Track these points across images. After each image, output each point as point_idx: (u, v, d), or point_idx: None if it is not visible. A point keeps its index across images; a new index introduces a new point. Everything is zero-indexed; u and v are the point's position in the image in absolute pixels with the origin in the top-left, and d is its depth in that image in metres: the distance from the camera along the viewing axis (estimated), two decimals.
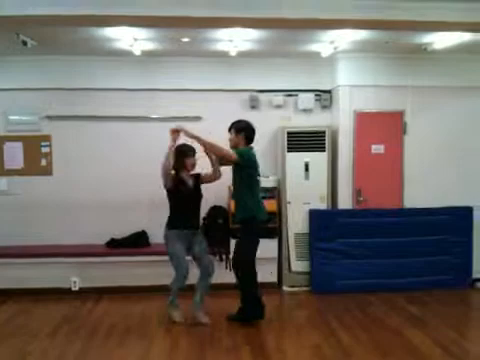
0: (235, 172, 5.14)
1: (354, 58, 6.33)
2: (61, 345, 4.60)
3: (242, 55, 6.15)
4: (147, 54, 6.09)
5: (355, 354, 4.39)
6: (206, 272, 5.20)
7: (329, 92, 6.72)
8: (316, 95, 6.71)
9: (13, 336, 4.87)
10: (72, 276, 6.15)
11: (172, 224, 5.17)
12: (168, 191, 5.16)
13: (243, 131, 5.13)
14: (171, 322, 5.13)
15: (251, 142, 5.19)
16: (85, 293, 6.06)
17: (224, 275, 5.78)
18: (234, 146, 5.14)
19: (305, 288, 6.29)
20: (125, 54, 6.02)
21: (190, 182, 5.23)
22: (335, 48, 5.78)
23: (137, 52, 5.86)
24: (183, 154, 5.18)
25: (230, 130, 5.19)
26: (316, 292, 6.17)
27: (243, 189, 5.11)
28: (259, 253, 5.95)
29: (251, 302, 5.12)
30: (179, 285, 5.08)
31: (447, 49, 5.86)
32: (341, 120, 6.46)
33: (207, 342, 4.68)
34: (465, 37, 5.40)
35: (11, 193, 6.47)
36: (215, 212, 6.39)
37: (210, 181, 5.32)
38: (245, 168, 5.06)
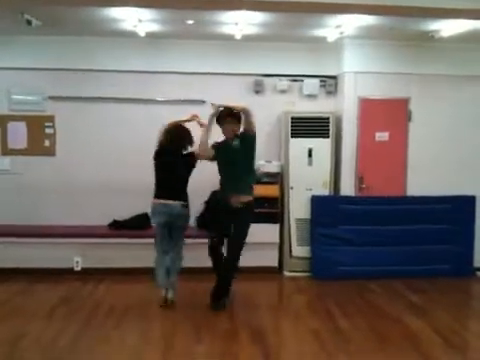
0: (240, 152, 5.04)
1: (360, 44, 6.28)
2: (58, 326, 4.61)
3: (247, 39, 6.10)
4: (152, 36, 6.05)
5: (354, 340, 4.42)
6: None
7: (334, 78, 6.67)
8: (321, 81, 6.67)
9: (11, 316, 4.90)
10: (75, 256, 6.19)
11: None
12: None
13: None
14: (171, 305, 5.17)
15: None
16: (87, 274, 6.10)
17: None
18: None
19: (306, 273, 6.31)
20: (130, 35, 5.98)
21: None
22: (341, 33, 5.72)
23: (142, 33, 5.83)
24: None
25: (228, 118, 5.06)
26: (316, 278, 6.19)
27: (251, 169, 5.12)
28: (260, 238, 6.01)
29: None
30: None
31: (454, 37, 5.80)
32: (346, 106, 6.42)
33: (205, 325, 4.70)
34: (472, 25, 5.34)
35: (14, 173, 6.48)
36: (217, 196, 6.38)
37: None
38: (253, 148, 5.07)
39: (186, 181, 5.19)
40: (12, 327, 4.60)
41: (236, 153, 5.04)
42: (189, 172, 5.20)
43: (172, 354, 4.10)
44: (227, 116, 5.05)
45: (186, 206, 5.17)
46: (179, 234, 5.22)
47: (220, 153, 5.12)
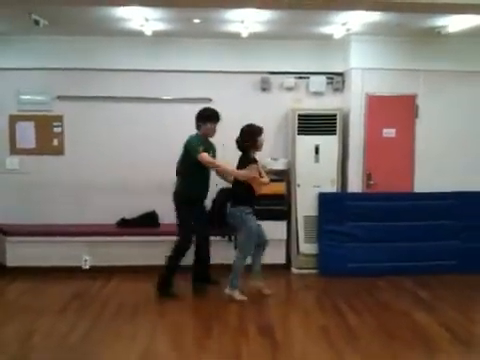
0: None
1: (367, 41, 6.28)
2: (68, 323, 4.65)
3: (254, 37, 6.11)
4: (158, 35, 6.07)
5: (362, 336, 4.42)
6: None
7: (341, 75, 6.67)
8: (328, 78, 6.67)
9: (21, 314, 4.94)
10: (83, 255, 6.23)
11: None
12: None
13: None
14: (180, 301, 5.23)
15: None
16: (96, 272, 6.13)
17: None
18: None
19: (313, 270, 6.31)
20: (136, 35, 6.00)
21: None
22: (348, 30, 5.72)
23: (148, 33, 5.85)
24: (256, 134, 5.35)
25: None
26: (324, 274, 6.19)
27: None
28: (268, 235, 6.04)
29: None
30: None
31: (461, 33, 5.78)
32: (353, 103, 6.42)
33: (214, 321, 4.74)
34: (479, 20, 5.32)
35: (23, 172, 6.53)
36: (224, 194, 6.41)
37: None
38: None
39: None
40: (23, 324, 4.65)
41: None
42: None
43: (182, 349, 4.14)
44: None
45: None
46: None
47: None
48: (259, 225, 5.44)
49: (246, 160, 5.33)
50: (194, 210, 5.39)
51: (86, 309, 5.03)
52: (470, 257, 6.31)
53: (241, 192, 5.36)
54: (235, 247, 6.05)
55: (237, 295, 5.31)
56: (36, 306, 5.16)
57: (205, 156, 5.24)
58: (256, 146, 5.35)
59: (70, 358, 3.95)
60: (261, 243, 5.48)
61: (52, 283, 5.91)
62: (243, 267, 5.36)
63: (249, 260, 5.49)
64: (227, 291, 5.32)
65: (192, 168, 5.29)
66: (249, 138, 5.32)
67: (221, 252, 5.86)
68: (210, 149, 5.42)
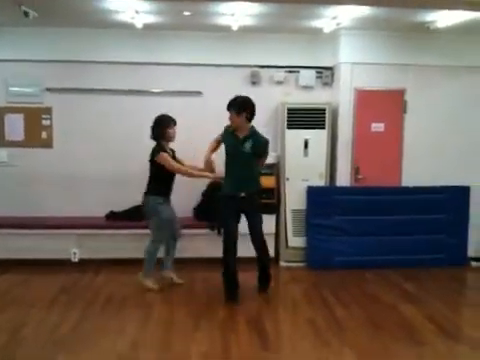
0: (245, 154, 5.10)
1: (356, 35, 6.30)
2: (58, 315, 4.66)
3: (244, 30, 6.11)
4: (149, 27, 6.05)
5: (349, 328, 4.48)
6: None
7: (330, 69, 6.70)
8: (317, 72, 6.70)
9: (10, 307, 4.93)
10: (72, 247, 6.23)
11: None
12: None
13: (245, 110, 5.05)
14: (168, 294, 5.25)
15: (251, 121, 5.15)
16: (85, 264, 6.14)
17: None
18: (237, 126, 5.10)
19: (301, 263, 6.36)
20: (127, 27, 5.98)
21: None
22: (337, 24, 5.75)
23: (139, 25, 5.84)
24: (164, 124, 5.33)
25: (229, 109, 5.07)
26: (312, 268, 6.25)
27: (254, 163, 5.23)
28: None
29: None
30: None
31: (449, 28, 5.82)
32: (342, 97, 6.46)
33: (203, 313, 4.76)
34: (468, 16, 5.37)
35: (11, 164, 6.50)
36: (214, 187, 6.43)
37: None
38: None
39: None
40: (12, 317, 4.65)
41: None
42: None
43: (171, 342, 4.15)
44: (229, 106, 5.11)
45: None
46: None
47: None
48: (175, 217, 5.45)
49: (157, 149, 5.32)
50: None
51: (75, 302, 5.04)
52: (456, 251, 6.40)
53: (158, 182, 5.36)
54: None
55: (150, 284, 5.38)
56: (25, 298, 5.15)
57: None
58: (165, 137, 5.33)
59: (59, 350, 3.95)
60: (174, 235, 5.49)
61: (41, 276, 5.90)
62: (156, 255, 5.40)
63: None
64: (140, 278, 5.40)
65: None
66: (157, 128, 5.34)
67: (211, 245, 5.87)
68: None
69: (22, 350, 3.98)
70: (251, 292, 5.38)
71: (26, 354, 3.91)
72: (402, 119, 6.53)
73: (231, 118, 5.07)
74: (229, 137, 5.15)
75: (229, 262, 5.13)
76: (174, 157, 5.42)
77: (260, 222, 5.26)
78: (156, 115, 5.39)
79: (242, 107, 5.01)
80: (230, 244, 5.12)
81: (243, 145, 5.05)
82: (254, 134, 5.12)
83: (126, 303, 5.02)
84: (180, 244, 5.65)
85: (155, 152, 5.31)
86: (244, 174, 5.13)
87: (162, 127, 5.31)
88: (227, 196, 5.17)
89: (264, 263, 5.36)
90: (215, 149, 5.34)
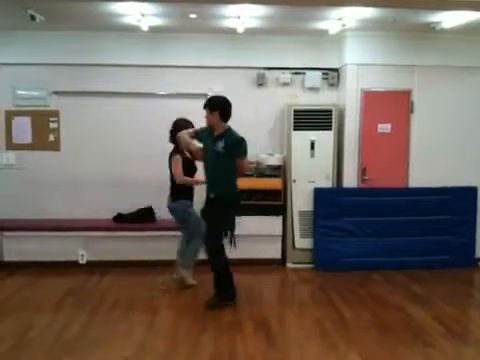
0: (217, 153, 4.97)
1: (362, 36, 6.29)
2: (65, 318, 4.68)
3: (250, 32, 6.12)
4: (155, 30, 6.07)
5: (356, 329, 4.48)
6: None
7: (336, 70, 6.70)
8: (323, 73, 6.69)
9: (18, 308, 4.97)
10: (80, 249, 6.26)
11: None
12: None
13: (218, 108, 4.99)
14: (175, 296, 5.28)
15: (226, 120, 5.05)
16: (92, 266, 6.16)
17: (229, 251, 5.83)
18: (212, 124, 5.04)
19: (309, 265, 6.36)
20: (133, 30, 6.00)
21: None
22: (343, 25, 5.74)
23: (145, 28, 5.85)
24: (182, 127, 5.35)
25: (204, 107, 5.03)
26: (319, 269, 6.24)
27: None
28: (263, 230, 6.11)
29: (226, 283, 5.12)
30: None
31: (455, 29, 5.79)
32: (348, 99, 6.45)
33: (210, 316, 4.76)
34: (473, 17, 5.34)
35: (19, 167, 6.54)
36: None
37: None
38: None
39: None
40: (20, 319, 4.67)
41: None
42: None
43: (177, 344, 4.16)
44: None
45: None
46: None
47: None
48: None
49: (172, 152, 5.44)
50: None
51: (82, 304, 5.06)
52: (464, 252, 6.37)
53: (185, 186, 5.43)
54: (230, 242, 6.09)
55: (191, 280, 5.49)
56: (33, 301, 5.19)
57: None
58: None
59: (66, 353, 3.96)
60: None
61: (49, 278, 5.93)
62: (199, 252, 5.45)
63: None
64: (183, 273, 5.46)
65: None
66: (174, 131, 5.39)
67: None
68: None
69: (29, 353, 3.99)
70: (257, 294, 5.38)
71: (33, 357, 3.92)
72: (409, 120, 6.51)
73: (206, 116, 5.03)
74: (206, 136, 5.11)
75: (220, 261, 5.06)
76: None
77: (210, 229, 5.05)
78: (174, 118, 5.52)
79: (215, 105, 4.96)
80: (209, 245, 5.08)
81: (215, 144, 4.94)
82: (227, 132, 5.00)
83: (133, 305, 5.04)
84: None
85: (171, 155, 5.41)
86: (215, 174, 5.02)
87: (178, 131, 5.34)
88: (206, 197, 5.15)
89: None
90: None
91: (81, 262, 6.28)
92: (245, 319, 4.69)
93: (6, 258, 6.26)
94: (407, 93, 6.49)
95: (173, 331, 4.43)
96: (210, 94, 5.70)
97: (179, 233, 5.69)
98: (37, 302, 5.13)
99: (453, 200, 6.36)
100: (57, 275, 5.99)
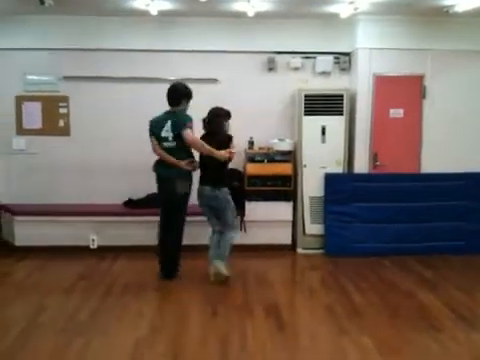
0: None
1: (374, 20, 6.21)
2: (76, 301, 4.71)
3: (260, 16, 6.05)
4: (164, 14, 6.03)
5: (366, 314, 4.46)
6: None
7: (348, 55, 6.62)
8: (335, 58, 6.62)
9: (30, 292, 5.01)
10: (91, 234, 6.28)
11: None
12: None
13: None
14: (185, 279, 5.29)
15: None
16: (103, 251, 6.19)
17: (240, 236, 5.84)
18: None
19: (319, 251, 6.34)
20: (142, 14, 5.96)
21: None
22: (355, 9, 5.65)
23: (154, 12, 5.80)
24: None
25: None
26: (330, 255, 6.22)
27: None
28: (274, 216, 6.09)
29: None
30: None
31: (469, 12, 5.69)
32: (360, 83, 6.38)
33: (220, 300, 4.78)
34: None
35: (29, 152, 6.56)
36: (230, 175, 6.43)
37: None
38: None
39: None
40: (32, 302, 4.70)
41: None
42: None
43: (188, 326, 4.18)
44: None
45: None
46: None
47: None
48: None
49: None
50: None
51: (94, 287, 5.09)
52: (476, 238, 6.31)
53: (224, 174, 5.38)
54: (240, 229, 6.09)
55: (225, 270, 5.26)
56: (44, 284, 5.23)
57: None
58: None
59: (77, 335, 3.99)
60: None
61: (60, 262, 5.97)
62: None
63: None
64: (218, 266, 5.23)
65: None
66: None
67: None
68: None
69: (41, 334, 4.02)
70: (267, 279, 5.39)
71: (44, 339, 3.95)
72: (421, 105, 6.44)
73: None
74: None
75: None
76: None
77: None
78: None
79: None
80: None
81: None
82: None
83: (144, 289, 5.05)
84: (198, 231, 5.71)
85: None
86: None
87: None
88: None
89: None
90: None
91: (92, 247, 6.31)
92: (255, 304, 4.68)
93: (18, 243, 6.31)
94: (420, 78, 6.41)
95: (184, 314, 4.44)
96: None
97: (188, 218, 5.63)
98: (48, 285, 5.17)
99: (466, 186, 6.30)
100: (68, 259, 6.02)
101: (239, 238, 5.52)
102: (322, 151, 6.30)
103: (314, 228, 6.39)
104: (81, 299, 4.76)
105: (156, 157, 5.38)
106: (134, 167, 6.55)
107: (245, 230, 6.19)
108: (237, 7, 5.77)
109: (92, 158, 6.62)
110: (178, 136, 5.12)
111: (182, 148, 5.16)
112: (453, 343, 3.93)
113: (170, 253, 5.32)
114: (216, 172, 5.29)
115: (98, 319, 4.33)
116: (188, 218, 5.43)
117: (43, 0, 5.27)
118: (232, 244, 5.35)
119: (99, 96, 6.56)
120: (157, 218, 6.09)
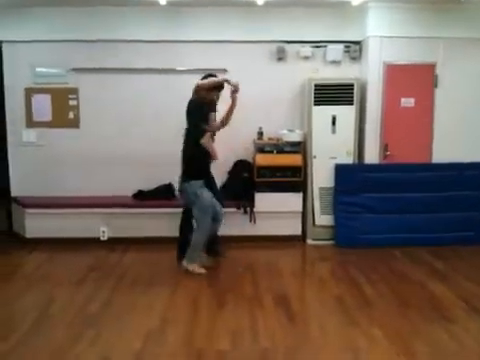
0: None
1: (385, 8, 6.12)
2: (87, 293, 4.73)
3: (269, 4, 5.99)
4: (173, 4, 5.99)
5: (377, 305, 4.44)
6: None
7: (358, 43, 6.54)
8: (345, 46, 6.54)
9: (41, 283, 5.04)
10: (101, 226, 6.30)
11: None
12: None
13: None
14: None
15: None
16: (113, 243, 6.21)
17: (249, 227, 5.84)
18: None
19: (329, 242, 6.31)
20: (150, 4, 5.94)
21: None
22: None
23: (163, 2, 5.78)
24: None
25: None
26: (340, 246, 6.19)
27: None
28: (284, 207, 6.07)
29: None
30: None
31: None
32: (370, 72, 6.31)
33: (230, 291, 4.78)
34: None
35: (39, 145, 6.58)
36: (240, 166, 6.43)
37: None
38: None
39: None
40: (43, 293, 4.74)
41: None
42: None
43: (199, 317, 4.19)
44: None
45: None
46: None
47: None
48: (213, 197, 5.24)
49: None
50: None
51: (104, 279, 5.11)
52: None
53: (197, 165, 5.19)
54: (250, 220, 6.10)
55: (196, 268, 5.22)
56: (55, 276, 5.25)
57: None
58: None
59: (88, 326, 4.01)
60: (217, 217, 5.30)
61: (70, 254, 6.00)
62: (203, 242, 5.25)
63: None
64: (184, 264, 5.24)
65: None
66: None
67: (237, 224, 5.92)
68: None
69: (52, 325, 4.06)
70: (277, 270, 5.38)
71: (55, 330, 3.97)
72: (433, 94, 6.36)
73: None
74: None
75: None
76: None
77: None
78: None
79: None
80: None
81: None
82: None
83: (154, 281, 5.06)
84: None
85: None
86: None
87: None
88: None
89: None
90: None
91: (102, 239, 6.33)
92: (265, 294, 4.68)
93: (28, 235, 6.34)
94: (431, 66, 6.33)
95: (194, 305, 4.45)
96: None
97: None
98: (59, 277, 5.20)
99: (477, 176, 6.23)
100: (79, 251, 6.05)
101: (204, 241, 5.26)
102: (332, 141, 6.25)
103: (324, 219, 6.36)
104: (92, 291, 4.78)
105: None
106: (144, 159, 6.56)
107: (255, 221, 6.18)
108: None
109: (102, 150, 6.61)
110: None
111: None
112: (465, 334, 3.89)
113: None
114: (187, 163, 5.20)
115: (109, 311, 4.34)
116: None
117: None
118: (198, 245, 5.22)
119: (108, 88, 6.55)
120: (167, 209, 6.13)
